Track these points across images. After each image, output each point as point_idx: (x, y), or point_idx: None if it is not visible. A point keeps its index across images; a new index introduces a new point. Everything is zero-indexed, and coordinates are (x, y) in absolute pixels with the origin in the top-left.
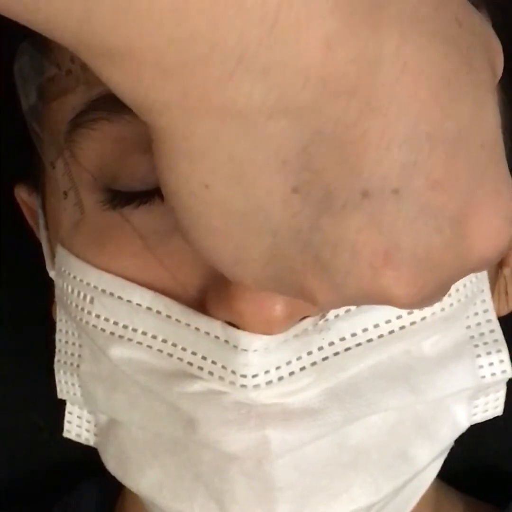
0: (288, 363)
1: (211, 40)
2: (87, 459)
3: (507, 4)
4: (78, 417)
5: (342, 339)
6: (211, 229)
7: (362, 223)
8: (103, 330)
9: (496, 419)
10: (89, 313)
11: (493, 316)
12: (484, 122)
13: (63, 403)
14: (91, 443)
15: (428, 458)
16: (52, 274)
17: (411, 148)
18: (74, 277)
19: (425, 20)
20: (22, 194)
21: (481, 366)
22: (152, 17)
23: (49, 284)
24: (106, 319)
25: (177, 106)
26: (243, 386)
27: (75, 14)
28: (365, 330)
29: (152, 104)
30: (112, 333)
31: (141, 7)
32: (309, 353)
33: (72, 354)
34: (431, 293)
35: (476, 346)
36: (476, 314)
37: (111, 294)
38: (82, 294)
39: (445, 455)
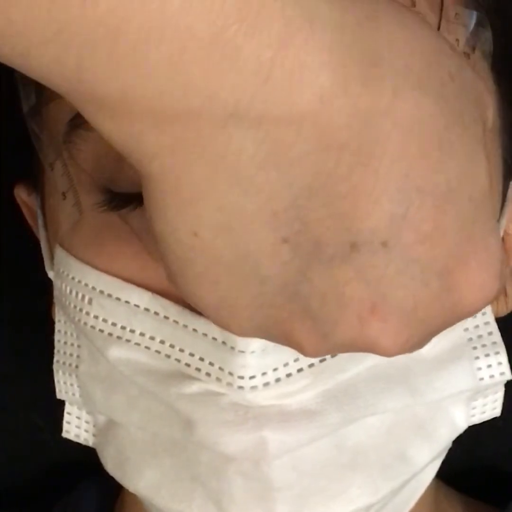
0: (286, 364)
1: (205, 92)
2: (87, 459)
3: (506, 8)
4: (77, 417)
5: None
6: (198, 276)
7: (350, 275)
8: (101, 331)
9: (495, 419)
10: (88, 314)
11: (491, 318)
12: (474, 177)
13: (63, 403)
14: (90, 443)
15: (427, 459)
16: (50, 274)
17: (400, 202)
18: (73, 278)
19: (418, 76)
20: (22, 194)
21: (479, 368)
22: (146, 68)
23: (49, 285)
24: (104, 320)
25: (167, 155)
26: (240, 387)
27: (68, 63)
28: None
29: (143, 152)
30: (110, 334)
31: (136, 58)
32: None
33: (71, 355)
34: (418, 343)
35: (475, 348)
36: (474, 316)
37: (109, 295)
38: (80, 295)
39: (443, 456)
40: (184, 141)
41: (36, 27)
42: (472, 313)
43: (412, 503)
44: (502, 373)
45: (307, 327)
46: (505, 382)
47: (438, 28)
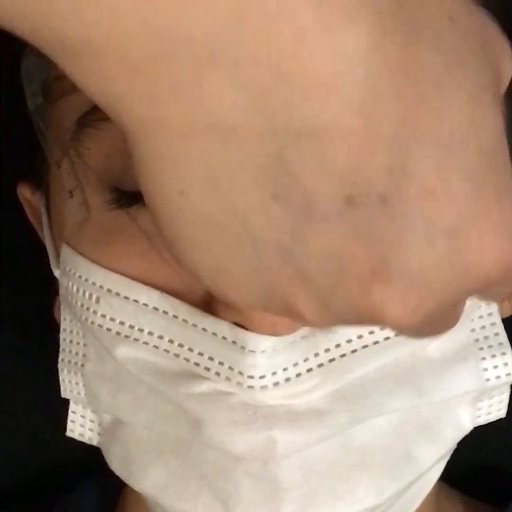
0: (295, 364)
1: (177, 34)
2: (87, 459)
3: (507, 4)
4: (82, 416)
5: (349, 341)
6: (190, 241)
7: (347, 233)
8: (109, 330)
9: (497, 420)
10: (95, 312)
11: (497, 319)
12: (483, 126)
13: (64, 403)
14: (95, 442)
15: (432, 459)
16: (56, 273)
17: (398, 152)
18: (80, 277)
19: (411, 14)
20: (25, 193)
21: (485, 369)
22: (112, 6)
23: (50, 284)
24: (112, 319)
25: (143, 106)
26: (250, 387)
27: (39, 7)
28: (371, 332)
29: (120, 103)
30: (118, 333)
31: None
32: (316, 354)
33: (77, 354)
34: (431, 315)
35: (481, 349)
36: (481, 317)
37: (117, 293)
38: (87, 294)
39: (448, 457)
40: (158, 90)
41: None
42: (489, 281)
43: (417, 504)
44: (508, 374)
45: (306, 293)
46: (511, 383)
47: None
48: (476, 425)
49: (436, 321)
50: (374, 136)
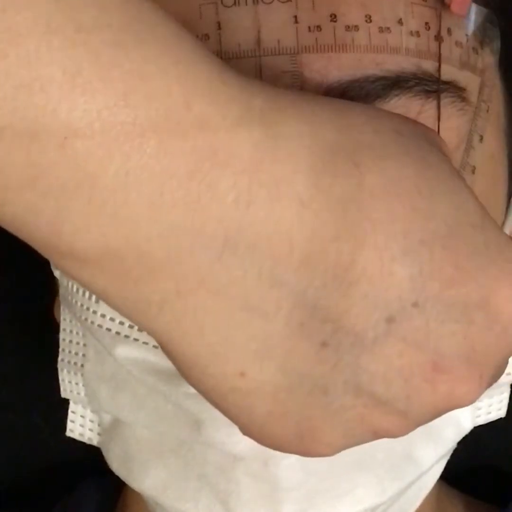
0: None
1: (192, 230)
2: (87, 459)
3: (507, 5)
4: (82, 416)
5: None
6: (265, 416)
7: (399, 347)
8: (108, 330)
9: (497, 419)
10: (95, 312)
11: None
12: (465, 205)
13: (63, 403)
14: (95, 442)
15: (433, 459)
16: (56, 273)
17: (412, 261)
18: None
19: (370, 146)
20: None
21: None
22: (127, 215)
23: (50, 284)
24: (112, 319)
25: (174, 299)
26: None
27: (45, 212)
28: None
29: (147, 304)
30: (117, 333)
31: (116, 203)
32: None
33: (76, 354)
34: (494, 375)
35: None
36: None
37: None
38: (87, 294)
39: (448, 457)
40: (186, 282)
41: (13, 171)
42: None
43: (417, 503)
44: (507, 374)
45: (386, 413)
46: (511, 382)
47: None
48: (476, 425)
49: (496, 378)
50: (388, 259)
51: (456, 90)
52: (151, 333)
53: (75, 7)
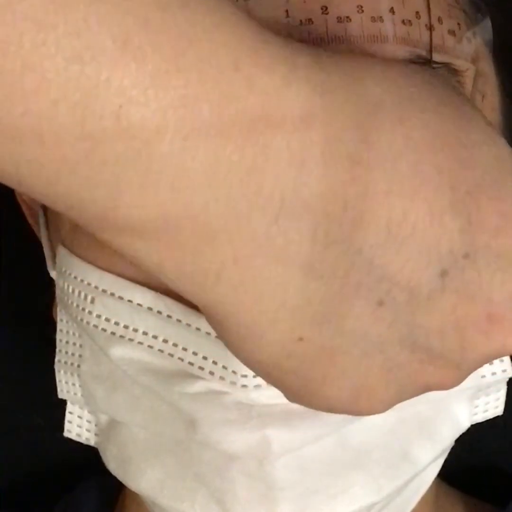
0: None
1: (248, 194)
2: (87, 459)
3: (505, 2)
4: (79, 417)
5: None
6: (323, 378)
7: (453, 301)
8: (104, 330)
9: (495, 418)
10: (90, 313)
11: None
12: (503, 154)
13: (63, 403)
14: (92, 443)
15: (429, 457)
16: (53, 274)
17: (459, 212)
18: (75, 277)
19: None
20: (23, 194)
21: None
22: (186, 181)
23: (49, 284)
24: (107, 319)
25: (231, 266)
26: (244, 386)
27: (100, 186)
28: None
29: (204, 275)
30: (113, 333)
31: (174, 170)
32: None
33: (73, 354)
34: None
35: None
36: None
37: (112, 294)
38: (83, 294)
39: (445, 455)
40: (243, 249)
41: (68, 145)
42: None
43: (414, 502)
44: (504, 370)
45: (440, 367)
46: (507, 379)
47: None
48: (474, 423)
49: None
50: (437, 212)
51: (452, 71)
52: (206, 305)
53: None
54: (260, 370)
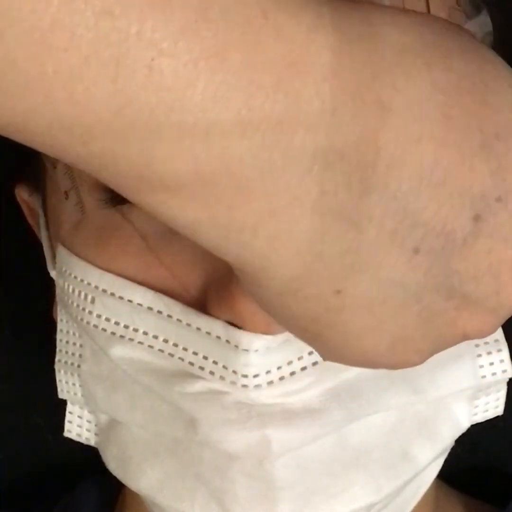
0: (289, 363)
1: (282, 144)
2: (87, 459)
3: (507, 4)
4: (79, 417)
5: None
6: (357, 331)
7: (488, 244)
8: (104, 330)
9: (495, 418)
10: (90, 313)
11: None
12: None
13: (63, 403)
14: (92, 442)
15: (429, 457)
16: (53, 274)
17: (490, 155)
18: (75, 277)
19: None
20: (23, 194)
21: (481, 366)
22: (219, 133)
23: (49, 284)
24: (107, 319)
25: (267, 221)
26: (244, 386)
27: (134, 143)
28: None
29: (239, 230)
30: (113, 333)
31: (206, 123)
32: (310, 353)
33: (73, 354)
34: None
35: (477, 345)
36: None
37: (112, 294)
38: (83, 294)
39: (445, 455)
40: (278, 200)
41: (100, 103)
42: None
43: (414, 502)
44: (504, 371)
45: (477, 312)
46: (507, 380)
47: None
48: (473, 423)
49: None
50: (470, 154)
51: None
52: (241, 262)
53: None
54: (297, 326)
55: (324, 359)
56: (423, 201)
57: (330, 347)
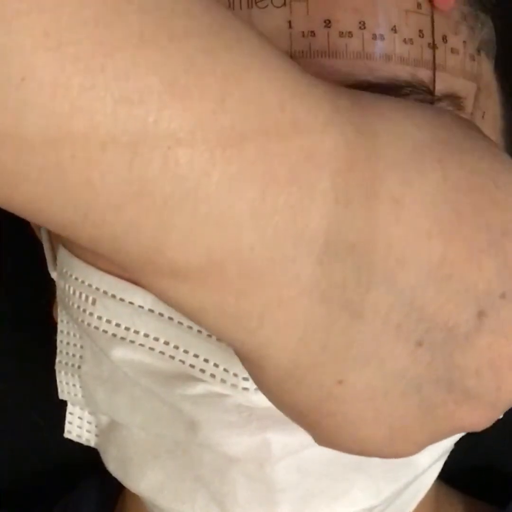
0: None
1: (294, 235)
2: (87, 459)
3: (506, 8)
4: (79, 418)
5: None
6: (360, 421)
7: (490, 340)
8: (105, 331)
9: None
10: (91, 314)
11: None
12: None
13: (63, 403)
14: (92, 444)
15: (429, 460)
16: (53, 275)
17: (497, 252)
18: (76, 279)
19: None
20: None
21: None
22: (232, 222)
23: (49, 285)
24: (108, 321)
25: (275, 310)
26: (245, 389)
27: (146, 228)
28: None
29: (247, 318)
30: (114, 335)
31: (220, 211)
32: None
33: (73, 355)
34: None
35: None
36: None
37: (113, 296)
38: (84, 296)
39: (445, 458)
40: (288, 291)
41: (115, 189)
42: None
43: (414, 504)
44: None
45: (476, 406)
46: None
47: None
48: None
49: None
50: (477, 251)
51: (452, 99)
52: (247, 349)
53: (166, 17)
54: (296, 413)
55: (318, 444)
56: (430, 296)
57: (327, 434)
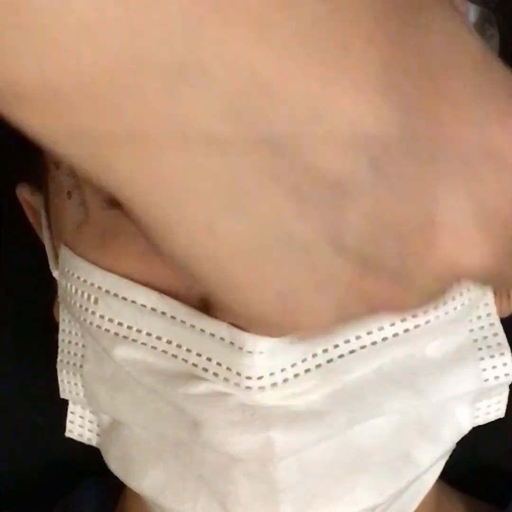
0: (293, 365)
1: (137, 57)
2: (87, 459)
3: (507, 5)
4: (81, 417)
5: (347, 341)
6: (244, 282)
7: (388, 198)
8: (107, 330)
9: (496, 419)
10: (93, 313)
11: (496, 319)
12: (465, 40)
13: (64, 402)
14: (94, 443)
15: (431, 460)
16: (55, 274)
17: (389, 92)
18: (78, 278)
19: None
20: (24, 194)
21: (484, 369)
22: (64, 40)
23: (50, 284)
24: (111, 320)
25: (128, 145)
26: (248, 388)
27: None
28: (369, 333)
29: (99, 150)
30: (116, 334)
31: (51, 29)
32: (314, 355)
33: (75, 354)
34: (507, 239)
35: (480, 349)
36: (479, 317)
37: (116, 294)
38: (86, 295)
39: (447, 457)
40: (139, 123)
41: None
42: None
43: (416, 504)
44: (507, 374)
45: (378, 278)
46: (510, 383)
47: None
48: (475, 425)
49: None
50: (365, 80)
51: None
52: (113, 188)
53: None
54: (182, 265)
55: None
56: (308, 143)
57: (216, 292)
